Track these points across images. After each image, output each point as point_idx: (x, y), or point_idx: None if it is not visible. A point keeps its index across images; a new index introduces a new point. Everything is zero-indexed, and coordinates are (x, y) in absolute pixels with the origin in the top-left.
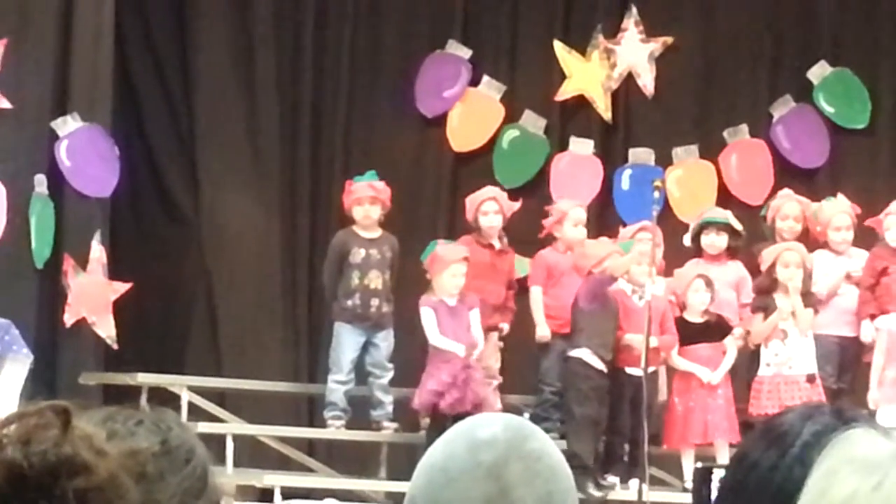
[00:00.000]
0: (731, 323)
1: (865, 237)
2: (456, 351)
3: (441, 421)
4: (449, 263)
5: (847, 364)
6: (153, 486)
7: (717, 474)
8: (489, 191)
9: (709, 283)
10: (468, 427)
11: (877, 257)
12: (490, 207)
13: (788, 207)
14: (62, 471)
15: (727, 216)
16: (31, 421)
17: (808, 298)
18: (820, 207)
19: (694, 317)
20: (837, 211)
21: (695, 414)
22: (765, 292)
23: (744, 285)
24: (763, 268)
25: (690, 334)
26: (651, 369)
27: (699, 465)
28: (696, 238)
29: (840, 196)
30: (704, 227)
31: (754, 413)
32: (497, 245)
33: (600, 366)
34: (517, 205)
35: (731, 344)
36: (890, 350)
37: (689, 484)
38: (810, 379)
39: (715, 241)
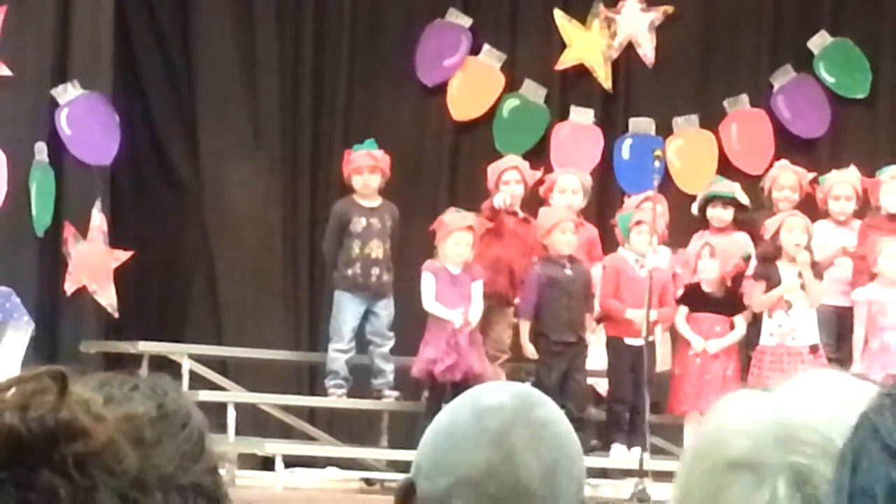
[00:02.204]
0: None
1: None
2: (450, 318)
3: (440, 390)
4: (452, 231)
5: (845, 333)
6: (151, 451)
7: None
8: (511, 160)
9: (712, 253)
10: (475, 394)
11: (869, 227)
12: (512, 177)
13: (784, 178)
14: (61, 435)
15: (734, 190)
16: (29, 386)
17: (815, 269)
18: (826, 177)
19: (710, 286)
20: (839, 180)
21: (687, 380)
22: (769, 260)
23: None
24: (767, 236)
25: (704, 303)
26: (651, 338)
27: None
28: (702, 210)
29: (851, 167)
30: (710, 200)
31: (754, 383)
32: (520, 213)
33: (561, 339)
34: (539, 174)
35: (741, 321)
36: (871, 320)
37: None
38: (813, 349)
39: (721, 215)
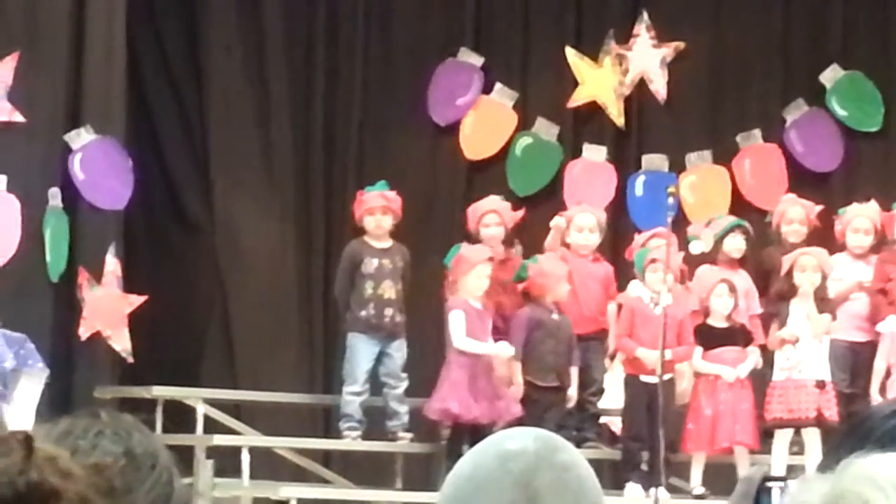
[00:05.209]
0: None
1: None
2: (496, 352)
3: (460, 431)
4: (475, 264)
5: (859, 368)
6: (122, 500)
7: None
8: (491, 202)
9: (732, 289)
10: (498, 439)
11: (886, 262)
12: (491, 220)
13: (793, 212)
14: (32, 498)
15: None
16: None
17: (826, 304)
18: (846, 209)
19: (718, 322)
20: (859, 214)
21: (723, 417)
22: (784, 298)
23: (751, 296)
24: (782, 273)
25: (714, 339)
26: (667, 376)
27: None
28: (717, 243)
29: (872, 202)
30: (731, 229)
31: (768, 419)
32: (500, 254)
33: (545, 384)
34: (520, 214)
35: (754, 352)
36: (893, 352)
37: (697, 490)
38: (820, 385)
39: (741, 245)
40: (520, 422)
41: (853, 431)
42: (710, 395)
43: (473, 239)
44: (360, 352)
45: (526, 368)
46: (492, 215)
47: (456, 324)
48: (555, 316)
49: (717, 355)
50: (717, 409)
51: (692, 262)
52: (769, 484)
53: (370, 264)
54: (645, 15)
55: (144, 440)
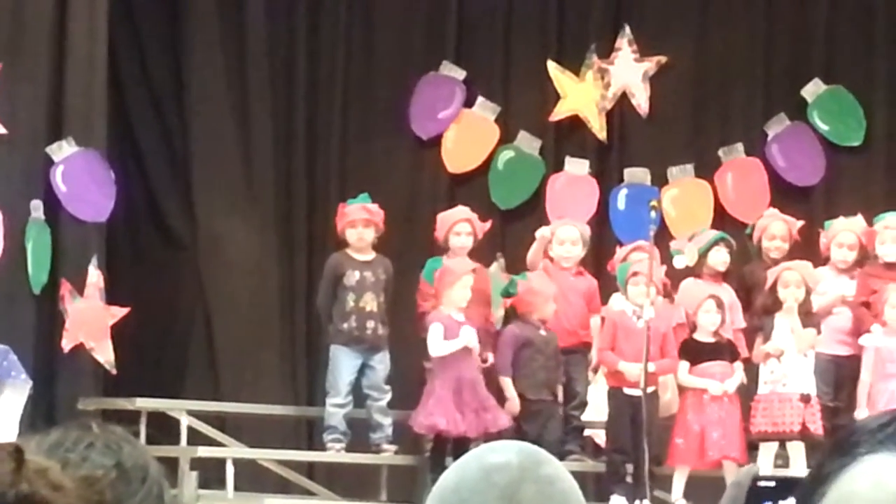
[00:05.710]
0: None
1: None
2: (464, 342)
3: (443, 443)
4: (460, 276)
5: (842, 382)
6: None
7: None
8: (462, 212)
9: (720, 304)
10: (481, 452)
11: (868, 276)
12: (463, 229)
13: (775, 227)
14: None
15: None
16: None
17: (810, 318)
18: (832, 223)
19: (704, 337)
20: (845, 228)
21: (711, 432)
22: (768, 312)
23: (735, 310)
24: (766, 287)
25: (701, 354)
26: (650, 389)
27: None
28: (701, 257)
29: (858, 217)
30: (715, 243)
31: (752, 432)
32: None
33: (541, 397)
34: (488, 225)
35: (740, 367)
36: (878, 366)
37: (678, 503)
38: (804, 399)
39: (725, 258)
40: (521, 434)
41: (839, 445)
42: (698, 409)
43: (441, 248)
44: (343, 364)
45: (518, 385)
46: (464, 224)
47: (434, 336)
48: (542, 332)
49: (704, 369)
50: (705, 423)
51: (675, 276)
52: (760, 484)
53: (352, 277)
54: (627, 29)
55: (135, 452)
